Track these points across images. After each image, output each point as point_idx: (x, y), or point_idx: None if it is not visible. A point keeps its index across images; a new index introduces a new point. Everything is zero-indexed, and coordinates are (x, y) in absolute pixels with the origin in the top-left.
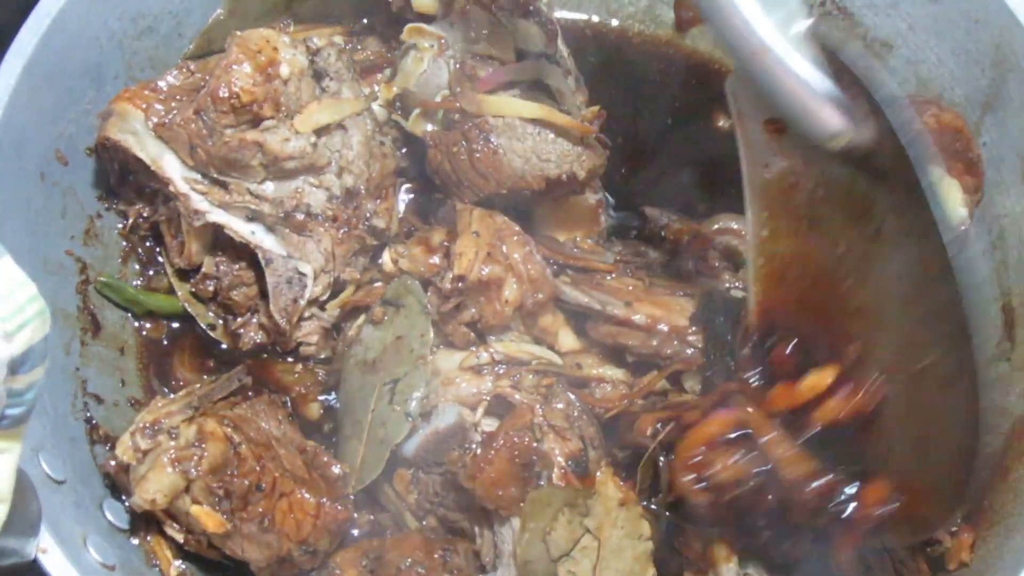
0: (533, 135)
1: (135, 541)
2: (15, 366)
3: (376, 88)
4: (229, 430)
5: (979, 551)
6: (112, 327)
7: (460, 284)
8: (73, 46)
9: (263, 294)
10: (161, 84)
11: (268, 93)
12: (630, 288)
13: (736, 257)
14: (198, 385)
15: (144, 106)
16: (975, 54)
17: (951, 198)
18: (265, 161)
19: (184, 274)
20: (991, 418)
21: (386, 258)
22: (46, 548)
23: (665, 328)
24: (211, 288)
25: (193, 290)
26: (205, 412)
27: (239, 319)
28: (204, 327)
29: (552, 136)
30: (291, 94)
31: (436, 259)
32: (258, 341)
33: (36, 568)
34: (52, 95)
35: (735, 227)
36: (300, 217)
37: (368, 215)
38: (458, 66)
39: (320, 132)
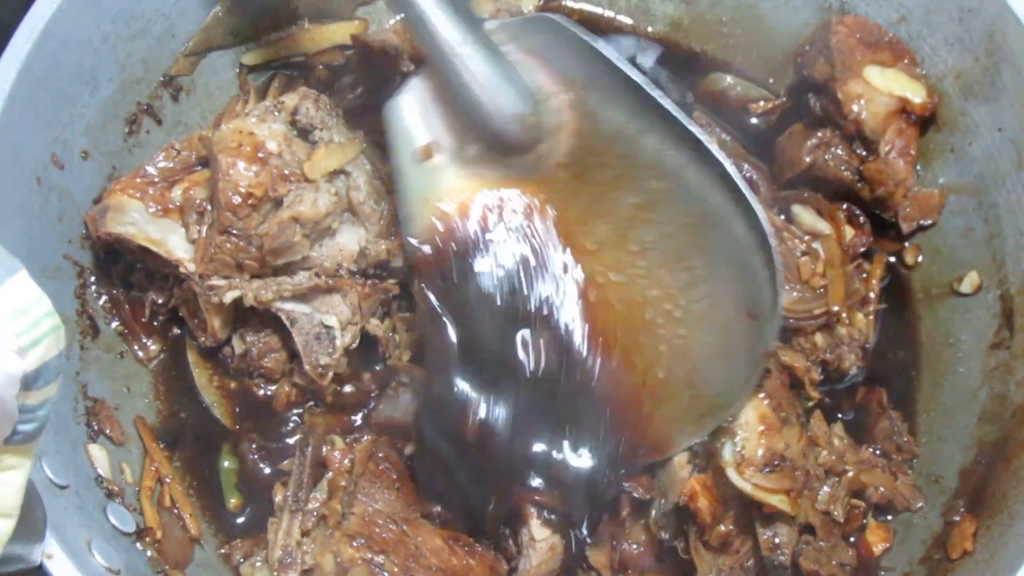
0: None
1: (139, 545)
2: (28, 382)
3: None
4: (364, 551)
5: (982, 539)
6: (110, 331)
7: None
8: (67, 49)
9: (293, 355)
10: (150, 169)
11: (271, 174)
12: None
13: None
14: (286, 493)
15: (139, 194)
16: (968, 43)
17: (907, 87)
18: (306, 231)
19: (205, 354)
20: (992, 407)
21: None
22: (51, 554)
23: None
24: (246, 362)
25: (232, 369)
26: (327, 524)
27: (273, 386)
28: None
29: None
30: (289, 161)
31: None
32: (293, 401)
33: (42, 573)
34: (47, 99)
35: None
36: (324, 278)
37: (386, 257)
38: None
39: (330, 179)
